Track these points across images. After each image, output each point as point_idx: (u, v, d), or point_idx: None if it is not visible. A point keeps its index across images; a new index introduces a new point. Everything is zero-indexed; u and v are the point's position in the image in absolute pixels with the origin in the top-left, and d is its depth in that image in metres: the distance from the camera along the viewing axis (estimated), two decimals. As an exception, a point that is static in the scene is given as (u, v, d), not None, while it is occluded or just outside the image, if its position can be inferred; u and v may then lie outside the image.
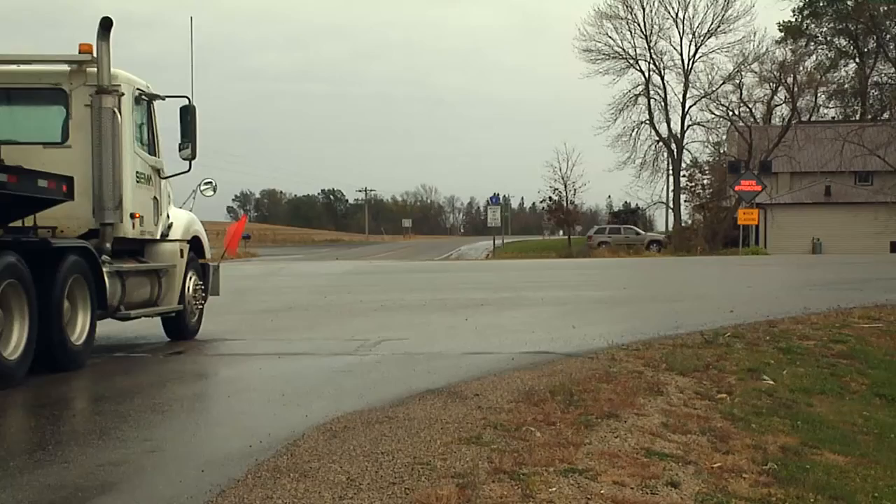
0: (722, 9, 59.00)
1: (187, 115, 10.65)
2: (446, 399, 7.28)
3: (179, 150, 10.75)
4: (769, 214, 49.57)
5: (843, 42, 65.21)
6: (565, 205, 61.60)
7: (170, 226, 10.87)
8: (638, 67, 60.40)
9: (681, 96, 59.96)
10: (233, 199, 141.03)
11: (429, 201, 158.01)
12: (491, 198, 55.70)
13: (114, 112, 9.40)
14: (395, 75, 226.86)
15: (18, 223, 8.63)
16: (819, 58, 64.25)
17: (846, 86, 63.89)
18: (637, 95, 60.32)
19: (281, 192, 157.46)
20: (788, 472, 6.16)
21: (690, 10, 64.32)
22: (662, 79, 60.56)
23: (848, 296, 15.60)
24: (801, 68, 58.38)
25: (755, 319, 12.39)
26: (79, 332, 8.73)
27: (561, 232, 75.89)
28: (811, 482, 6.05)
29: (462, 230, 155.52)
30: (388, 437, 6.07)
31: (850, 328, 12.09)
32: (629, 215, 71.89)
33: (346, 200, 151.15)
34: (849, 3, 62.80)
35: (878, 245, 46.31)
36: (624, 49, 59.95)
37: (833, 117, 63.56)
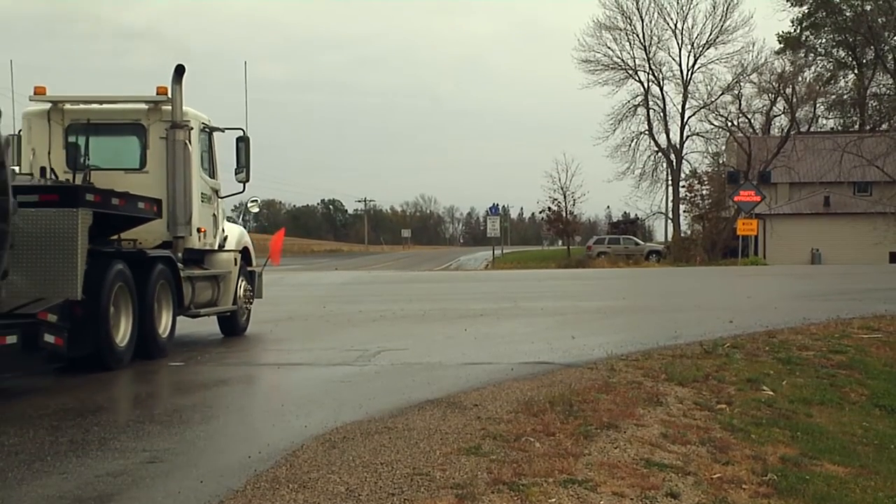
0: (721, 20, 59.19)
1: (242, 145, 12.37)
2: (445, 409, 7.27)
3: (235, 174, 12.49)
4: (768, 225, 49.61)
5: (842, 53, 65.41)
6: (564, 215, 61.64)
7: (225, 238, 12.62)
8: (637, 78, 60.57)
9: (680, 107, 60.10)
10: (232, 209, 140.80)
11: (428, 211, 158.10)
12: (490, 208, 55.66)
13: (185, 143, 11.05)
14: (394, 84, 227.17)
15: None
16: (818, 69, 64.48)
17: (845, 97, 64.06)
18: (636, 106, 60.46)
19: (280, 202, 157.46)
20: (788, 483, 6.16)
21: (689, 20, 64.20)
22: (661, 89, 60.73)
23: (847, 306, 15.61)
24: (799, 79, 58.53)
25: (754, 330, 12.39)
26: (164, 326, 10.34)
27: (560, 242, 75.97)
28: (811, 493, 6.04)
29: (461, 240, 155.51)
30: (387, 448, 6.06)
31: (849, 339, 12.09)
32: (628, 225, 71.94)
33: (346, 210, 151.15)
34: (847, 14, 63.00)
35: (877, 255, 46.35)
36: (623, 60, 60.13)
37: (832, 128, 63.69)
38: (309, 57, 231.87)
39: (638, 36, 59.95)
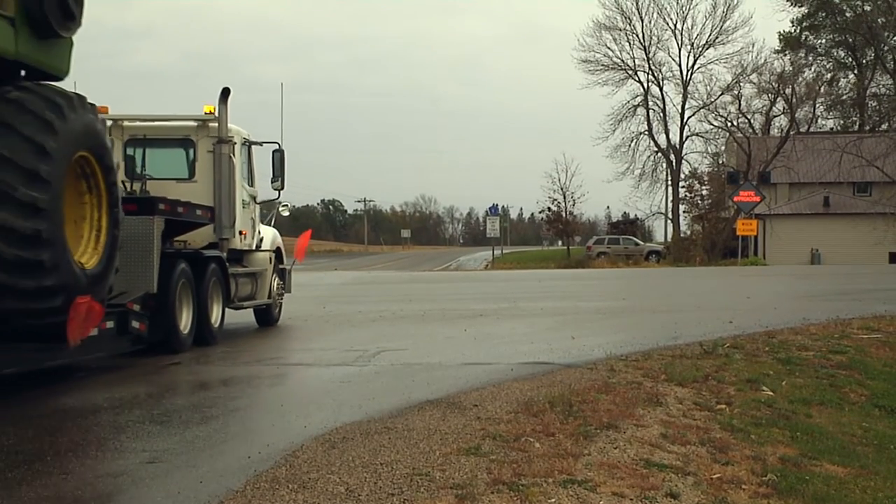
0: (720, 20, 59.25)
1: (278, 157, 13.88)
2: (445, 410, 7.27)
3: (272, 182, 14.03)
4: (768, 225, 49.62)
5: (842, 53, 65.42)
6: (564, 215, 61.68)
7: (261, 239, 14.06)
8: (637, 78, 60.61)
9: (679, 107, 60.15)
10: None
11: (428, 212, 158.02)
12: (490, 208, 55.63)
13: (229, 157, 12.35)
14: (393, 85, 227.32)
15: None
16: (818, 69, 64.49)
17: (844, 97, 64.06)
18: (636, 106, 60.49)
19: (280, 202, 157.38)
20: (788, 483, 6.16)
21: (689, 21, 64.27)
22: (661, 89, 60.77)
23: (847, 306, 15.61)
24: (799, 79, 58.54)
25: (754, 330, 12.40)
26: (215, 317, 11.80)
27: (560, 242, 75.96)
28: (810, 493, 6.04)
29: (461, 241, 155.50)
30: (386, 448, 6.06)
31: (849, 339, 12.09)
32: (628, 226, 71.93)
33: (345, 211, 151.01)
34: (847, 15, 63.01)
35: (877, 255, 46.37)
36: (623, 60, 60.17)
37: (832, 128, 63.70)
38: (308, 57, 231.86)
39: (638, 36, 60.04)
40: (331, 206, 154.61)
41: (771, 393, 8.86)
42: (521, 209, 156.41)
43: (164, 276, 10.37)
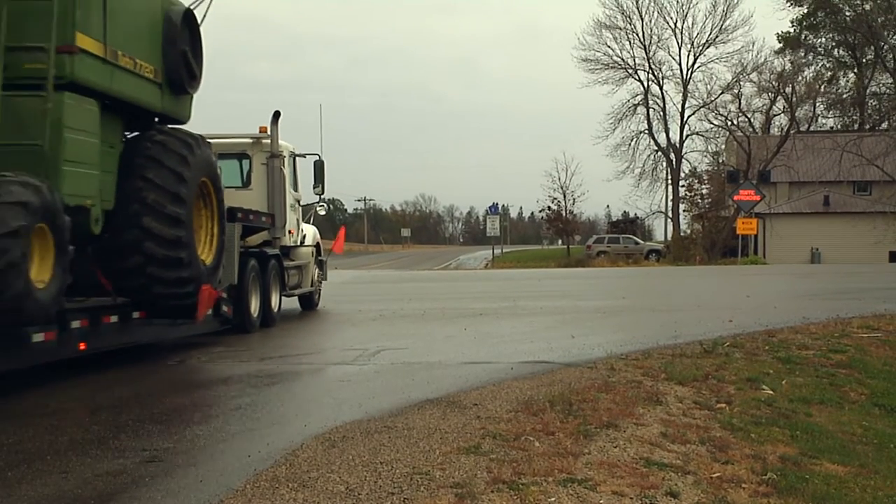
0: (720, 19, 59.28)
1: (319, 166, 16.43)
2: (445, 409, 7.28)
3: (314, 188, 16.55)
4: (768, 224, 49.61)
5: (842, 53, 65.39)
6: (564, 214, 61.73)
7: (304, 236, 16.36)
8: (637, 77, 60.62)
9: (679, 106, 60.16)
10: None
11: (428, 211, 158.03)
12: (490, 207, 55.65)
13: (280, 169, 14.58)
14: (392, 84, 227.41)
15: None
16: (818, 68, 64.49)
17: (845, 96, 64.04)
18: (636, 105, 60.51)
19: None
20: (788, 482, 6.16)
21: (689, 20, 64.47)
22: (661, 88, 60.77)
23: (847, 305, 15.61)
24: (799, 79, 58.53)
25: (754, 329, 12.39)
26: (275, 304, 13.94)
27: (560, 241, 76.01)
28: (810, 492, 6.04)
29: (461, 240, 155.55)
30: (386, 447, 6.07)
31: (849, 338, 12.09)
32: (628, 225, 71.96)
33: (345, 210, 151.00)
34: (847, 14, 62.99)
35: (877, 254, 46.36)
36: (623, 59, 60.18)
37: (832, 127, 63.66)
38: (308, 56, 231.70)
39: (638, 35, 60.05)
40: (330, 205, 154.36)
41: (771, 392, 8.86)
42: (521, 208, 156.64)
43: (241, 270, 12.45)
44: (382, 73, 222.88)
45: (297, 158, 15.79)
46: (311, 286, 16.39)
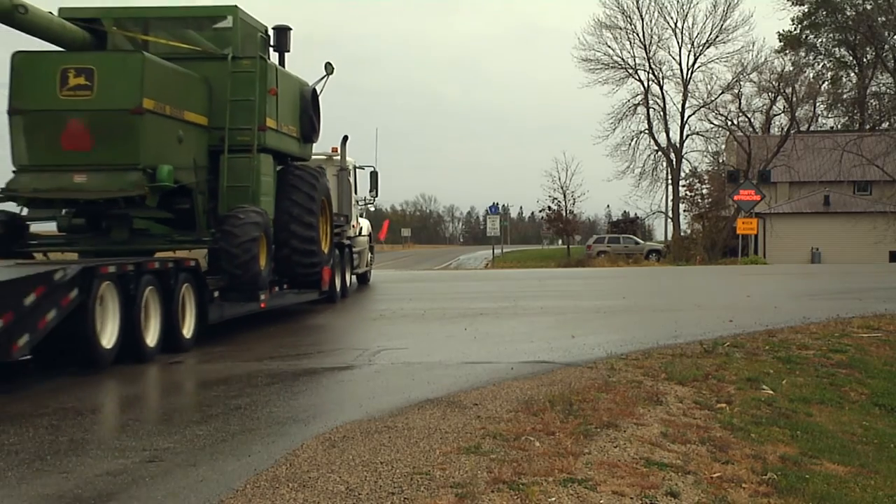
0: (721, 19, 59.19)
1: (374, 175, 21.69)
2: (445, 409, 7.27)
3: (369, 192, 21.75)
4: (768, 224, 49.61)
5: (843, 52, 65.39)
6: (564, 214, 61.74)
7: (360, 229, 20.80)
8: (637, 77, 60.56)
9: (680, 106, 60.07)
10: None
11: (428, 210, 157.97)
12: (490, 207, 55.60)
13: (348, 180, 18.79)
14: (391, 84, 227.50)
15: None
16: (818, 68, 64.48)
17: (845, 96, 64.03)
18: (636, 105, 60.45)
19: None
20: (788, 482, 6.16)
21: (689, 20, 64.48)
22: (661, 88, 60.70)
23: (847, 305, 15.61)
24: (800, 78, 58.49)
25: (754, 329, 12.39)
26: (347, 279, 18.42)
27: (560, 241, 76.00)
28: (811, 492, 6.04)
29: (461, 239, 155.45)
30: (386, 447, 6.07)
31: (849, 338, 12.09)
32: (628, 224, 71.96)
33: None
34: (848, 13, 62.98)
35: (877, 254, 46.36)
36: (623, 59, 60.12)
37: (832, 127, 63.63)
38: (307, 56, 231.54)
39: (638, 35, 59.99)
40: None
41: (771, 392, 8.86)
42: (522, 208, 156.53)
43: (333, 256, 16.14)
44: (380, 73, 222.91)
45: (356, 169, 20.33)
46: (366, 266, 21.71)
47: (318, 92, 14.95)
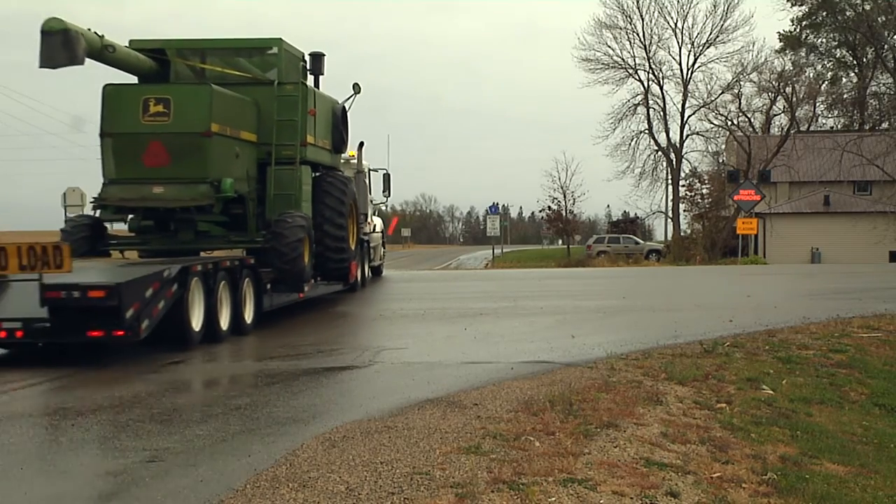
0: (721, 19, 59.12)
1: (387, 177, 23.64)
2: (445, 408, 7.28)
3: (382, 193, 23.68)
4: (768, 224, 49.59)
5: (843, 52, 65.37)
6: (564, 214, 61.71)
7: (374, 226, 22.66)
8: (637, 77, 60.49)
9: (680, 106, 59.98)
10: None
11: (428, 210, 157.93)
12: (490, 207, 55.55)
13: (364, 181, 20.51)
14: (391, 85, 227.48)
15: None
16: (818, 68, 64.46)
17: (845, 96, 64.00)
18: (636, 105, 60.38)
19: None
20: (788, 482, 6.16)
21: (689, 20, 64.35)
22: (661, 88, 60.65)
23: (847, 305, 15.61)
24: (800, 78, 58.46)
25: (754, 329, 12.39)
26: (366, 270, 20.92)
27: (560, 241, 75.98)
28: (811, 492, 6.05)
29: (461, 239, 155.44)
30: (386, 447, 6.07)
31: (849, 338, 12.09)
32: (628, 224, 71.93)
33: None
34: (848, 14, 62.97)
35: (877, 254, 46.32)
36: (623, 59, 60.05)
37: (832, 127, 63.56)
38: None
39: (638, 35, 59.92)
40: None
41: (771, 392, 8.87)
42: (521, 208, 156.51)
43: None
44: (382, 73, 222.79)
45: (371, 172, 22.22)
46: (380, 260, 24.23)
47: (347, 109, 16.67)
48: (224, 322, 11.77)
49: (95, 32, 11.91)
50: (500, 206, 59.06)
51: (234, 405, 7.71)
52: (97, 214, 13.47)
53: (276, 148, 14.04)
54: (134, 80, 13.47)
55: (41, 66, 11.23)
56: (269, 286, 13.53)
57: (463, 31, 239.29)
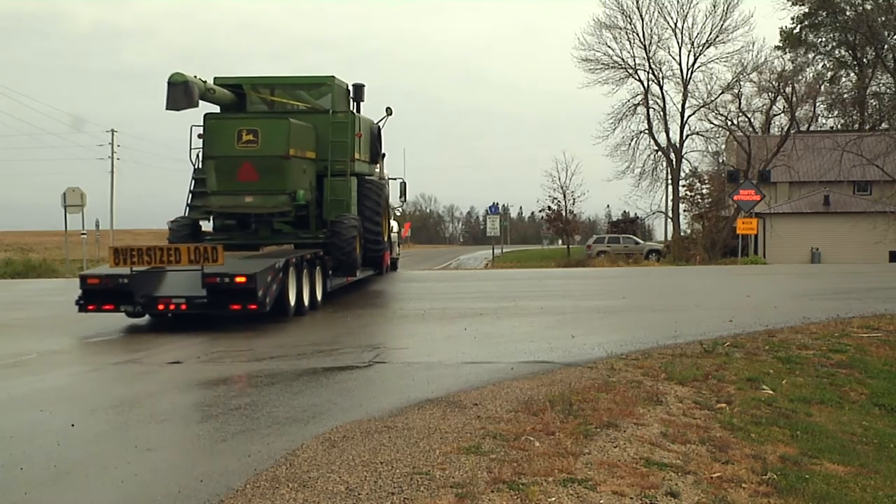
0: (721, 19, 59.04)
1: (402, 185, 26.68)
2: (445, 409, 7.28)
3: (399, 198, 26.84)
4: (768, 224, 49.58)
5: (843, 52, 65.35)
6: (564, 214, 61.73)
7: (392, 227, 23.80)
8: (637, 77, 60.43)
9: (680, 106, 59.87)
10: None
11: (428, 210, 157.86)
12: (490, 207, 55.55)
13: (386, 188, 22.38)
14: (390, 85, 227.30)
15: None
16: (818, 68, 64.44)
17: (845, 96, 63.96)
18: (636, 105, 60.32)
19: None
20: (788, 482, 6.16)
21: (689, 20, 64.31)
22: (661, 88, 60.58)
23: (847, 305, 15.61)
24: (800, 78, 58.43)
25: (754, 329, 12.39)
26: (389, 261, 23.03)
27: (560, 241, 75.96)
28: (810, 492, 6.04)
29: (461, 239, 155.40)
30: (386, 447, 6.07)
31: (849, 338, 12.09)
32: (628, 224, 71.91)
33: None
34: (848, 13, 62.96)
35: (877, 254, 46.31)
36: (623, 59, 59.99)
37: (832, 127, 63.52)
38: (306, 56, 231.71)
39: (638, 35, 59.85)
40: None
41: (771, 392, 8.87)
42: (521, 208, 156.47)
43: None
44: (379, 73, 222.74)
45: (389, 180, 24.46)
46: (395, 255, 26.56)
47: (381, 128, 20.19)
48: (306, 299, 15.18)
49: (202, 80, 15.44)
50: (499, 206, 59.01)
51: (233, 405, 7.71)
52: (186, 214, 17.12)
53: (332, 163, 17.57)
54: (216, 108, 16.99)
55: (167, 109, 14.52)
56: (330, 272, 16.78)
57: (463, 31, 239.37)
